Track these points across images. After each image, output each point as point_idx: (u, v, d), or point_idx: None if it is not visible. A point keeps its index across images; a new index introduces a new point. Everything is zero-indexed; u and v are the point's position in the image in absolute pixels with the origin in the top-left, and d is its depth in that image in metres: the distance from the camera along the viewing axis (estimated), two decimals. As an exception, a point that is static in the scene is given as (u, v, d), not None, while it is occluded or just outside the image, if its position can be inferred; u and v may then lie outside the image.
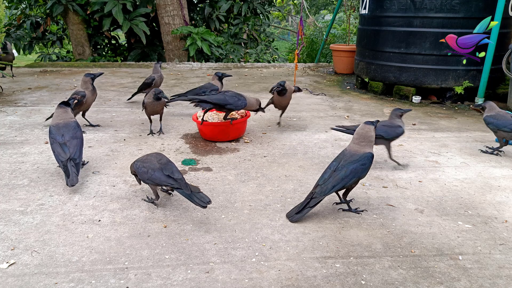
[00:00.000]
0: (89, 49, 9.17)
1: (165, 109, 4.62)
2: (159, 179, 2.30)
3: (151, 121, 3.86)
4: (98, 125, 4.04)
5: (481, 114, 4.73)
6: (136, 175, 2.48)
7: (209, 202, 2.20)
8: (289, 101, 3.95)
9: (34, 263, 1.91)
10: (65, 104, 2.93)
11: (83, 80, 3.80)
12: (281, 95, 3.82)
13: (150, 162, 2.39)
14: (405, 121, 3.44)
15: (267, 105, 3.99)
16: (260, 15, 10.75)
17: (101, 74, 3.98)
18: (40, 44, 10.36)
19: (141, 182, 2.48)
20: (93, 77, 3.83)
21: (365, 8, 5.76)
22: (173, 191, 2.56)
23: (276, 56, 11.43)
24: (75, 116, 3.79)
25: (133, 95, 4.92)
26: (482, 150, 3.48)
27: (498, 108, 3.41)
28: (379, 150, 3.46)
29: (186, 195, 2.22)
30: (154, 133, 3.83)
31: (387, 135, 2.95)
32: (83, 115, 3.94)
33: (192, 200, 2.20)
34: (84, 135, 3.07)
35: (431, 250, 2.08)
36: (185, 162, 3.15)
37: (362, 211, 2.44)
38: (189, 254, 2.01)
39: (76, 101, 3.63)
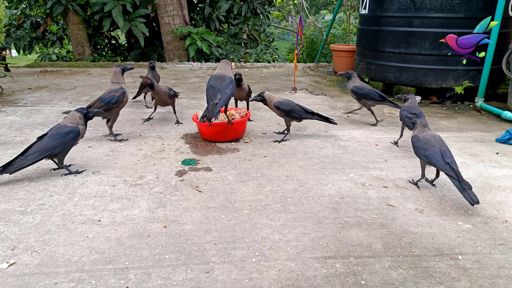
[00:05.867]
0: (89, 49, 9.17)
1: (165, 109, 4.64)
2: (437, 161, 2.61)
3: (155, 109, 4.23)
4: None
5: (480, 114, 4.74)
6: None
7: (477, 202, 2.37)
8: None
9: (34, 263, 1.91)
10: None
11: (113, 72, 3.57)
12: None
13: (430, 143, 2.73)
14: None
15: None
16: (260, 15, 10.74)
17: (132, 68, 3.72)
18: (40, 44, 10.35)
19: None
20: (124, 69, 3.61)
21: (365, 8, 5.76)
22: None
23: (276, 56, 11.42)
24: (99, 116, 3.29)
25: (136, 95, 4.93)
26: (371, 124, 4.17)
27: (359, 80, 4.13)
28: (379, 150, 3.46)
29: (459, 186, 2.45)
30: (150, 119, 4.21)
31: None
32: (109, 122, 3.59)
33: (463, 194, 2.43)
34: (84, 135, 3.04)
35: (431, 250, 2.08)
36: (185, 162, 3.15)
37: None
38: (189, 254, 2.01)
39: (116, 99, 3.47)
